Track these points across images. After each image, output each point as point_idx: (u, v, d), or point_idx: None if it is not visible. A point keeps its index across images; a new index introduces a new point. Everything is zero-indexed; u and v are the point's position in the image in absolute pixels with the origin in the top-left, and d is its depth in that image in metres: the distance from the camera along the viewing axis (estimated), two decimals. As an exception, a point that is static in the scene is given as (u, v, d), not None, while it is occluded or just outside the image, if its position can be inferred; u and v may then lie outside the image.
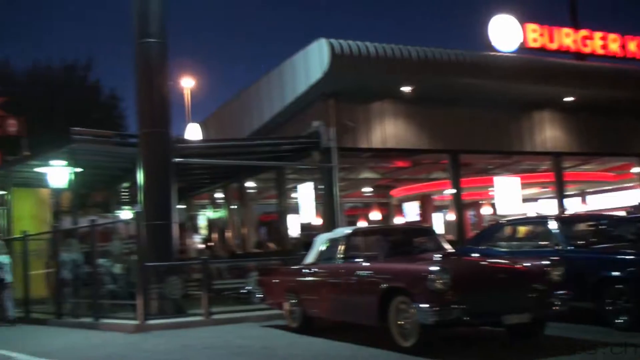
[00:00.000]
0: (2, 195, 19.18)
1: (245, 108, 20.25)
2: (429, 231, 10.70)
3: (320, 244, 10.03)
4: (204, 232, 29.77)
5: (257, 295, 11.22)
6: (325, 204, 17.04)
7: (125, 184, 19.77)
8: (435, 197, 28.66)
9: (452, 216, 20.43)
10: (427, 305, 6.97)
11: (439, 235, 10.68)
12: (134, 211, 14.36)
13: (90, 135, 15.24)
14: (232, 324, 11.28)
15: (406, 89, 17.20)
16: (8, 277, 14.17)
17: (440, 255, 8.35)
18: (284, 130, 18.47)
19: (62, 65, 36.76)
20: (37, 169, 16.39)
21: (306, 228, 22.55)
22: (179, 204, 15.35)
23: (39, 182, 17.61)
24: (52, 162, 15.56)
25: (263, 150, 17.72)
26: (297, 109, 17.57)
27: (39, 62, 36.55)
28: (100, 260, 13.34)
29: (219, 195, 25.83)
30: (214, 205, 26.97)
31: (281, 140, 17.70)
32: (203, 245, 27.21)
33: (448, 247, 9.57)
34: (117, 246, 14.00)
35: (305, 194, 18.50)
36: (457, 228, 18.92)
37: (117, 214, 22.64)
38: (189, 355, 8.50)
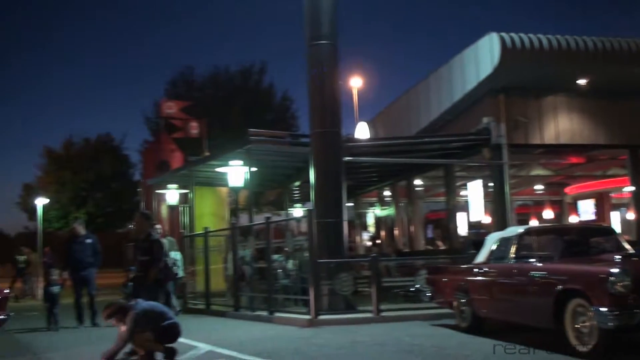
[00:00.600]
0: (185, 193, 20.50)
1: (413, 106, 20.23)
2: (609, 231, 10.12)
3: (492, 243, 9.81)
4: (371, 229, 30.09)
5: (426, 294, 11.20)
6: (495, 201, 16.67)
7: (297, 183, 20.39)
8: (612, 194, 27.16)
9: (631, 215, 19.23)
10: (607, 309, 6.63)
11: (619, 235, 10.10)
12: (305, 209, 14.80)
13: (266, 136, 15.92)
14: (401, 321, 11.28)
15: (581, 81, 16.43)
16: (180, 273, 15.06)
17: (621, 257, 7.90)
18: (452, 127, 18.27)
19: (239, 70, 38.60)
20: (217, 169, 17.34)
21: (475, 226, 22.14)
22: (347, 201, 15.61)
23: (218, 181, 18.63)
24: (230, 161, 16.37)
25: (431, 148, 17.62)
26: (466, 106, 17.32)
27: (218, 67, 38.58)
28: (274, 256, 13.85)
29: (386, 193, 26.00)
30: (382, 203, 27.18)
31: (450, 137, 17.53)
32: (370, 243, 27.51)
33: (628, 248, 9.04)
34: (289, 243, 14.50)
35: (474, 191, 18.19)
36: (637, 227, 17.79)
37: (289, 212, 23.40)
38: (360, 351, 8.62)
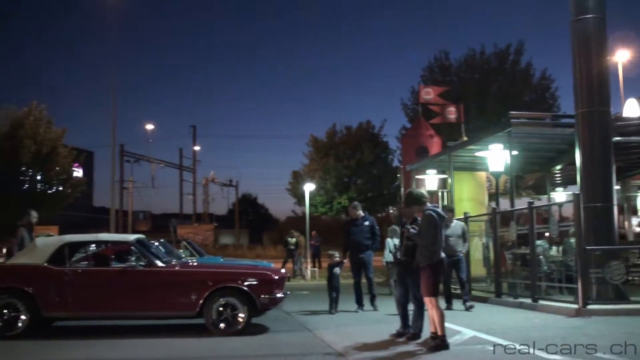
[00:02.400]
0: (444, 178, 20.59)
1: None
2: None
3: None
4: (641, 214, 27.78)
5: None
6: None
7: (559, 166, 19.53)
8: None
9: None
10: None
11: None
12: (570, 193, 14.10)
13: (526, 118, 15.42)
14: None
15: None
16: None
17: None
18: None
19: (495, 51, 37.75)
20: (476, 154, 17.17)
21: None
22: (615, 184, 14.63)
23: (477, 165, 18.45)
24: (490, 145, 16.13)
25: None
26: None
27: (473, 50, 38.07)
28: (538, 242, 13.42)
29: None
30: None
31: None
32: None
33: None
34: (552, 228, 13.95)
35: None
36: None
37: (550, 196, 22.49)
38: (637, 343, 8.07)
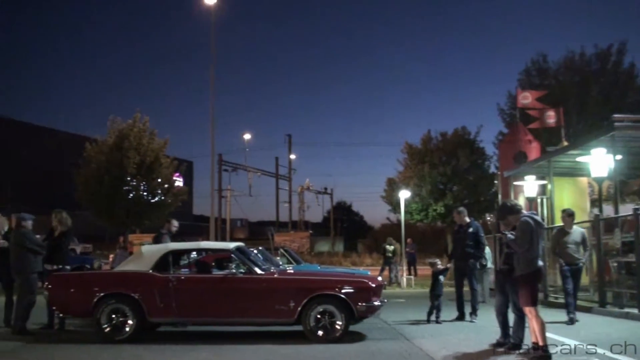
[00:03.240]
0: (543, 185, 20.05)
1: None
2: None
3: None
4: None
5: None
6: None
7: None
8: None
9: None
10: None
11: None
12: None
13: (630, 121, 14.86)
14: None
15: None
16: (488, 264, 15.26)
17: None
18: None
19: (595, 52, 36.52)
20: (577, 159, 16.65)
21: None
22: None
23: (578, 171, 17.88)
24: (592, 150, 15.61)
25: None
26: None
27: (572, 52, 36.95)
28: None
29: None
30: None
31: None
32: None
33: None
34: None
35: None
36: None
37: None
38: None
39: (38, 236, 11.66)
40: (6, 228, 11.96)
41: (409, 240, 29.69)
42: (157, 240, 13.92)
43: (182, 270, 11.31)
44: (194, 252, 12.71)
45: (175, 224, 14.52)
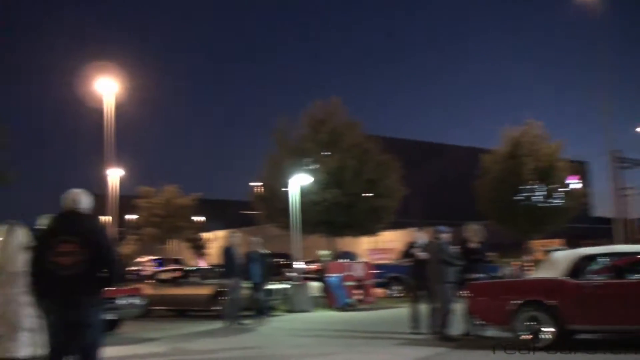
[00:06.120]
0: None
1: None
2: None
3: None
4: None
5: None
6: None
7: None
8: None
9: None
10: None
11: None
12: None
13: None
14: None
15: None
16: None
17: None
18: None
19: None
20: None
21: None
22: None
23: None
24: None
25: None
26: None
27: None
28: None
29: None
30: None
31: None
32: None
33: None
34: None
35: None
36: None
37: None
38: None
39: (452, 247, 12.31)
40: (425, 240, 12.96)
41: None
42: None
43: (597, 275, 10.90)
44: (607, 257, 12.16)
45: None
